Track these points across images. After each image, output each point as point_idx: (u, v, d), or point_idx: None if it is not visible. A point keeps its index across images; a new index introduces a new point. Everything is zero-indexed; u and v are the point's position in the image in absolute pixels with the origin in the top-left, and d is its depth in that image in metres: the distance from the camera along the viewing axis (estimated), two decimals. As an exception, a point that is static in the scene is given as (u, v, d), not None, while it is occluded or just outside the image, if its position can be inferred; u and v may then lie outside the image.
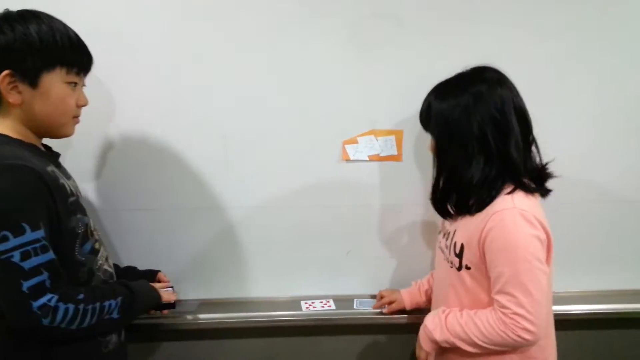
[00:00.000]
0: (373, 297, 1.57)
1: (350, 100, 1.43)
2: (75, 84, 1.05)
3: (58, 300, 0.94)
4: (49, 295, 0.93)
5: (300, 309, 1.52)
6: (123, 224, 1.48)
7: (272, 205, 1.49)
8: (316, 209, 1.51)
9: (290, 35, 1.37)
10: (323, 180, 1.48)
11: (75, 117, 1.09)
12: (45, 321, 0.93)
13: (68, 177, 1.10)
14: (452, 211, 1.21)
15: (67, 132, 1.09)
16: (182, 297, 1.51)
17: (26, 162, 0.94)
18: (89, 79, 1.13)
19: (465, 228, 1.15)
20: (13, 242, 0.90)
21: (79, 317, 0.98)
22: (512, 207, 1.07)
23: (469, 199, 1.14)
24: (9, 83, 0.97)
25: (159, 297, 1.24)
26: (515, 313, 1.05)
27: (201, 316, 1.49)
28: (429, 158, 1.47)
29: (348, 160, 1.47)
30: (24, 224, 0.91)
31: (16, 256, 0.90)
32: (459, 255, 1.16)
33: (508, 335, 1.06)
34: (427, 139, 1.30)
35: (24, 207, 0.92)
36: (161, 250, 1.50)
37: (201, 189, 1.46)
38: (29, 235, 0.91)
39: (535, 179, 1.15)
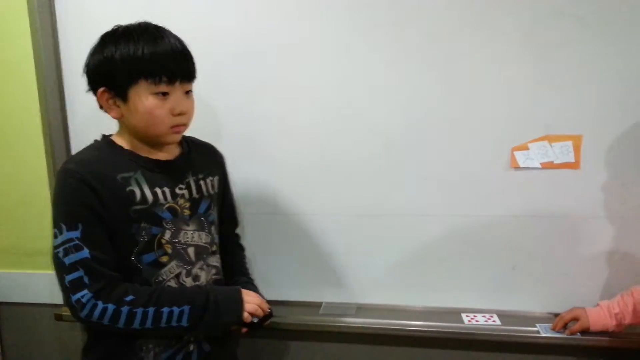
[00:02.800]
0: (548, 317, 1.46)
1: (522, 103, 1.35)
2: (166, 93, 1.06)
3: (93, 298, 1.02)
4: (84, 292, 1.01)
5: (462, 322, 1.47)
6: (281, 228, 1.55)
7: (434, 213, 1.46)
8: (481, 219, 1.45)
9: (461, 37, 1.34)
10: (489, 189, 1.42)
11: (175, 127, 1.09)
12: (82, 314, 1.02)
13: (173, 184, 1.13)
14: None
15: (167, 141, 1.12)
16: (336, 299, 1.56)
17: (79, 167, 1.04)
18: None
19: None
20: (59, 239, 1.02)
21: (123, 318, 1.03)
22: None
23: None
24: (107, 99, 1.07)
25: (239, 312, 1.13)
26: None
27: (357, 320, 1.51)
28: (611, 166, 1.34)
29: (517, 167, 1.38)
30: (62, 224, 1.02)
31: (61, 252, 1.02)
32: None
33: None
34: (613, 143, 1.18)
35: (63, 209, 1.04)
36: (320, 254, 1.55)
37: (360, 195, 1.48)
38: (66, 235, 1.02)
39: None
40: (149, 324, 1.05)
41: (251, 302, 1.15)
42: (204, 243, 1.19)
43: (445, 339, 1.51)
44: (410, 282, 1.53)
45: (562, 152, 1.35)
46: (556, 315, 1.44)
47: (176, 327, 1.07)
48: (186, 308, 1.07)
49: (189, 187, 1.17)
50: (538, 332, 1.41)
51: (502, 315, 1.48)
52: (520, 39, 1.31)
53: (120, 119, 1.11)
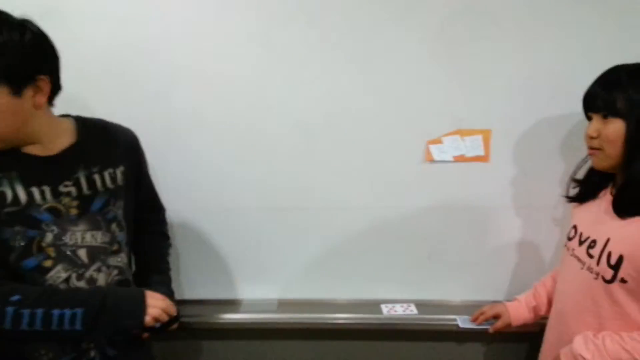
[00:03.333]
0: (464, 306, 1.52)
1: (435, 99, 1.39)
2: None
3: None
4: None
5: (381, 313, 1.50)
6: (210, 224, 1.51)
7: (353, 206, 1.48)
8: (397, 210, 1.48)
9: (375, 33, 1.35)
10: (405, 181, 1.45)
11: None
12: None
13: (56, 182, 1.04)
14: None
15: None
16: (269, 295, 1.55)
17: None
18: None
19: (625, 237, 1.04)
20: None
21: (8, 318, 0.96)
22: None
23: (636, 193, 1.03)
24: None
25: (141, 317, 1.06)
26: None
27: (278, 316, 1.51)
28: (518, 159, 1.41)
29: (432, 161, 1.42)
30: None
31: None
32: (615, 267, 1.05)
33: None
34: (520, 138, 1.24)
35: None
36: (241, 250, 1.53)
37: (281, 188, 1.47)
38: None
39: None
40: (38, 326, 0.97)
41: (155, 305, 1.08)
42: (101, 243, 1.10)
43: (366, 330, 1.54)
44: (331, 274, 1.54)
45: (472, 145, 1.41)
46: (472, 306, 1.49)
47: (69, 330, 0.99)
48: (79, 311, 1.00)
49: (77, 184, 1.07)
50: (456, 323, 1.47)
51: (420, 305, 1.52)
52: (433, 35, 1.34)
53: None
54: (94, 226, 1.09)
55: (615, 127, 1.04)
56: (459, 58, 1.36)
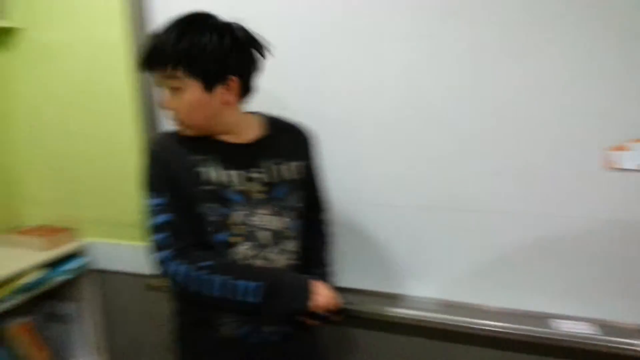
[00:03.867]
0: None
1: (616, 101, 1.24)
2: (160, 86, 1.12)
3: (171, 258, 1.09)
4: (166, 252, 1.09)
5: (550, 327, 1.39)
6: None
7: (523, 212, 1.39)
8: (573, 220, 1.35)
9: (546, 28, 1.26)
10: (581, 190, 1.32)
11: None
12: (162, 272, 1.10)
13: (241, 167, 1.16)
14: None
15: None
16: (427, 293, 1.53)
17: (158, 145, 1.16)
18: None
19: None
20: (148, 204, 1.12)
21: (194, 282, 1.08)
22: None
23: None
24: None
25: (306, 301, 1.11)
26: None
27: (442, 316, 1.48)
28: None
29: (614, 168, 1.27)
30: (151, 192, 1.13)
31: (150, 215, 1.12)
32: None
33: None
34: None
35: (152, 181, 1.14)
36: (404, 246, 1.53)
37: (448, 189, 1.44)
38: (154, 201, 1.12)
39: None
40: (216, 291, 1.08)
41: (322, 294, 1.14)
42: (280, 228, 1.20)
43: (530, 343, 1.43)
44: (494, 281, 1.47)
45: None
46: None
47: (242, 301, 1.08)
48: (255, 284, 1.08)
49: (264, 172, 1.18)
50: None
51: (599, 325, 1.38)
52: (618, 26, 1.20)
53: None
54: (275, 212, 1.19)
55: None
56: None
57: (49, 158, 1.88)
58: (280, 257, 1.20)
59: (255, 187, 1.16)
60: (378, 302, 1.55)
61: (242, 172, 1.16)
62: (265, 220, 1.17)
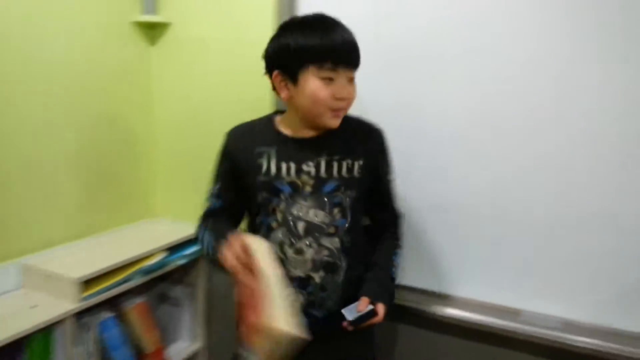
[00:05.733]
0: None
1: None
2: (331, 79, 1.17)
3: (199, 226, 1.39)
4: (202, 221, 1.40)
5: None
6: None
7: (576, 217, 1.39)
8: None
9: None
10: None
11: (335, 110, 1.20)
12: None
13: (301, 161, 1.26)
14: None
15: (325, 123, 1.22)
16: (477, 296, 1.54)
17: (229, 137, 1.34)
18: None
19: None
20: (209, 187, 1.40)
21: (199, 237, 1.37)
22: None
23: None
24: (280, 81, 1.22)
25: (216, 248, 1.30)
26: None
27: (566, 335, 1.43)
28: None
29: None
30: (215, 176, 1.37)
31: (207, 193, 1.40)
32: None
33: None
34: None
35: (216, 168, 1.36)
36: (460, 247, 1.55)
37: (578, 200, 1.40)
38: (213, 187, 1.38)
39: None
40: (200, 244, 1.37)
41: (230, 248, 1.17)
42: (320, 222, 1.25)
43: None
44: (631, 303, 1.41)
45: None
46: None
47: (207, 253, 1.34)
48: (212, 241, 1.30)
49: (317, 166, 1.26)
50: None
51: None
52: None
53: (289, 100, 1.24)
54: (320, 206, 1.26)
55: None
56: None
57: (182, 154, 1.99)
58: (311, 251, 1.24)
59: (305, 179, 1.26)
60: (430, 301, 1.58)
61: (295, 165, 1.26)
62: (304, 212, 1.25)
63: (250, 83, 1.72)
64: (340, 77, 1.18)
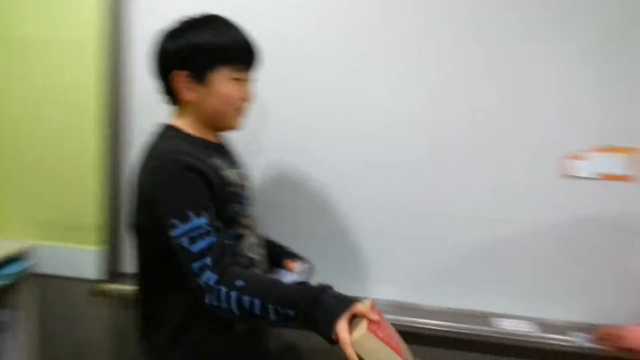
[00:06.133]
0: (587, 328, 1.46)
1: (579, 112, 1.35)
2: (240, 79, 1.14)
3: (217, 282, 0.99)
4: (209, 274, 1.00)
5: (495, 326, 1.47)
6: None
7: (478, 216, 1.46)
8: (527, 225, 1.44)
9: (524, 39, 1.34)
10: (538, 196, 1.41)
11: (240, 111, 1.17)
12: (207, 299, 1.00)
13: (234, 166, 1.21)
14: None
15: (231, 125, 1.18)
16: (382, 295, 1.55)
17: (186, 157, 1.05)
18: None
19: None
20: (183, 227, 1.01)
21: (233, 303, 0.99)
22: None
23: None
24: (185, 82, 1.11)
25: (329, 333, 0.95)
26: None
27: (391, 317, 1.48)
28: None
29: (570, 176, 1.38)
30: (187, 212, 1.01)
31: (186, 240, 1.01)
32: None
33: None
34: None
35: (186, 198, 1.03)
36: (362, 249, 1.55)
37: (403, 193, 1.48)
38: (195, 222, 1.01)
39: None
40: (256, 312, 0.99)
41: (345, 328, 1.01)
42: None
43: (476, 342, 1.50)
44: (448, 283, 1.52)
45: (616, 163, 1.35)
46: (593, 326, 1.43)
47: (283, 320, 1.00)
48: (290, 312, 0.98)
49: (239, 168, 1.24)
50: (578, 342, 1.42)
51: (539, 323, 1.48)
52: (586, 47, 1.31)
53: (193, 101, 1.13)
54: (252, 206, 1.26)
55: None
56: (610, 71, 1.31)
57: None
58: (262, 248, 1.26)
59: (244, 181, 1.23)
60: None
61: (234, 169, 1.20)
62: (251, 211, 1.24)
63: (72, 81, 1.62)
64: (246, 78, 1.16)
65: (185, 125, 1.16)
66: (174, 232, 1.02)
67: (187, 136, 1.15)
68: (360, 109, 1.47)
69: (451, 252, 1.51)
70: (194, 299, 1.02)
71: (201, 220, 1.02)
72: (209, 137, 1.19)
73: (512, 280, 1.49)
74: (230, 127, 1.19)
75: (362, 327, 0.93)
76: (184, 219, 1.01)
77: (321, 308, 0.97)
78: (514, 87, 1.37)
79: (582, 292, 1.46)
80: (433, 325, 1.50)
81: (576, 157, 1.37)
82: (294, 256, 1.38)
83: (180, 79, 1.11)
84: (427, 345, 1.56)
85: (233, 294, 0.99)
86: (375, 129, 1.47)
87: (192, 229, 1.01)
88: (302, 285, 1.04)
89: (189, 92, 1.12)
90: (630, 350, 1.32)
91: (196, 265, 1.01)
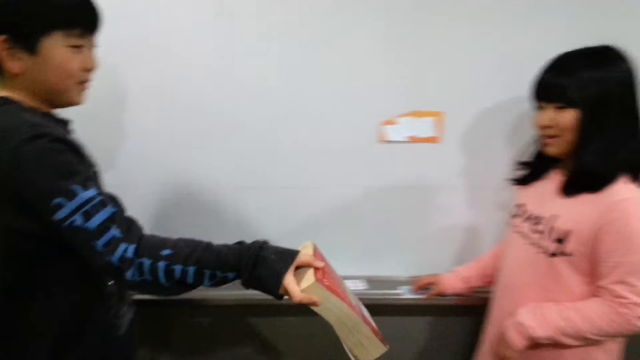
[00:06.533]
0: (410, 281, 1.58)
1: (390, 81, 1.42)
2: (80, 46, 0.96)
3: (136, 253, 0.89)
4: (122, 247, 0.88)
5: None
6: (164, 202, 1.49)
7: (308, 185, 1.50)
8: (352, 189, 1.51)
9: (330, 15, 1.36)
10: (360, 161, 1.48)
11: (82, 83, 1.00)
12: (129, 274, 0.88)
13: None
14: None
15: (72, 100, 1.00)
16: None
17: (44, 129, 0.88)
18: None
19: (573, 213, 1.11)
20: (70, 205, 0.86)
21: (161, 274, 0.90)
22: (637, 197, 1.06)
23: (589, 175, 1.09)
24: (8, 49, 0.91)
25: (275, 291, 0.94)
26: (634, 303, 1.04)
27: (230, 292, 1.47)
28: (468, 141, 1.47)
29: (385, 141, 1.45)
30: (72, 187, 0.86)
31: (79, 219, 0.86)
32: (560, 241, 1.13)
33: (622, 326, 1.06)
34: (471, 121, 1.30)
35: (67, 173, 0.87)
36: (200, 229, 1.51)
37: (240, 168, 1.47)
38: (83, 195, 0.87)
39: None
40: (190, 279, 0.92)
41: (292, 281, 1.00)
42: None
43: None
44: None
45: (425, 127, 1.45)
46: (415, 278, 1.56)
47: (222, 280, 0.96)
48: (230, 275, 0.95)
49: None
50: (401, 294, 1.53)
51: (370, 280, 1.57)
52: (389, 20, 1.36)
53: (21, 73, 0.94)
54: None
55: (571, 116, 1.09)
56: (414, 42, 1.39)
57: None
58: None
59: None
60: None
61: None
62: None
63: None
64: (87, 44, 0.98)
65: (22, 98, 0.96)
66: (61, 214, 0.86)
67: (32, 109, 0.95)
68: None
69: (288, 222, 1.53)
70: (81, 295, 0.94)
71: (90, 192, 0.88)
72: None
73: (345, 242, 1.56)
74: (71, 103, 1.01)
75: (309, 277, 0.93)
76: (69, 195, 0.86)
77: (264, 265, 0.94)
78: (335, 64, 1.40)
79: (405, 248, 1.58)
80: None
81: (388, 123, 1.44)
82: None
83: (2, 45, 0.91)
84: (263, 316, 1.60)
85: (160, 264, 0.89)
86: (198, 100, 1.41)
87: (82, 203, 0.87)
88: (237, 245, 0.98)
89: (12, 61, 0.92)
90: (441, 294, 1.47)
91: (101, 242, 0.87)
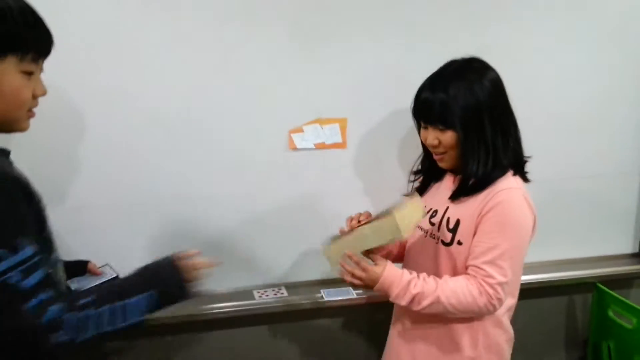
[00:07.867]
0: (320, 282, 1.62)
1: (296, 91, 1.47)
2: (31, 73, 0.90)
3: (64, 310, 0.84)
4: (53, 308, 0.83)
5: (254, 298, 1.55)
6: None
7: (219, 196, 1.50)
8: (264, 198, 1.53)
9: (235, 26, 1.39)
10: (271, 169, 1.51)
11: (30, 110, 0.94)
12: (59, 337, 0.83)
13: None
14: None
15: (19, 128, 0.94)
16: None
17: (16, 176, 0.86)
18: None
19: (461, 204, 1.21)
20: (11, 260, 0.80)
21: (87, 326, 0.85)
22: (517, 187, 1.16)
23: (472, 180, 1.18)
24: None
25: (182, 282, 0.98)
26: (499, 283, 1.12)
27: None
28: (372, 146, 1.55)
29: (295, 149, 1.50)
30: (18, 240, 0.82)
31: (15, 276, 0.80)
32: (453, 230, 1.21)
33: (482, 303, 1.12)
34: (373, 126, 1.42)
35: (14, 221, 0.83)
36: (103, 248, 1.43)
37: (143, 182, 1.44)
38: (26, 251, 0.82)
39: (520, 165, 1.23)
40: (107, 325, 0.88)
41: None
42: None
43: (241, 317, 1.56)
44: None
45: (331, 133, 1.51)
46: (334, 282, 1.59)
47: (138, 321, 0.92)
48: (147, 295, 0.92)
49: None
50: (323, 299, 1.57)
51: (289, 287, 1.60)
52: (290, 32, 1.42)
53: None
54: None
55: (452, 136, 1.17)
56: (316, 53, 1.45)
57: None
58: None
59: None
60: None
61: None
62: None
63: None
64: (37, 71, 0.92)
65: None
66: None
67: None
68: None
69: (203, 234, 1.51)
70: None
71: (32, 249, 0.83)
72: None
73: (261, 252, 1.57)
74: (17, 130, 0.94)
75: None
76: (13, 248, 0.80)
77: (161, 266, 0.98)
78: (239, 75, 1.43)
79: (317, 253, 1.54)
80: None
81: (295, 131, 1.49)
82: (82, 262, 1.26)
83: None
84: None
85: (90, 312, 0.86)
86: (92, 112, 1.37)
87: (23, 259, 0.81)
88: (142, 269, 0.98)
89: None
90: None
91: (32, 303, 0.81)
